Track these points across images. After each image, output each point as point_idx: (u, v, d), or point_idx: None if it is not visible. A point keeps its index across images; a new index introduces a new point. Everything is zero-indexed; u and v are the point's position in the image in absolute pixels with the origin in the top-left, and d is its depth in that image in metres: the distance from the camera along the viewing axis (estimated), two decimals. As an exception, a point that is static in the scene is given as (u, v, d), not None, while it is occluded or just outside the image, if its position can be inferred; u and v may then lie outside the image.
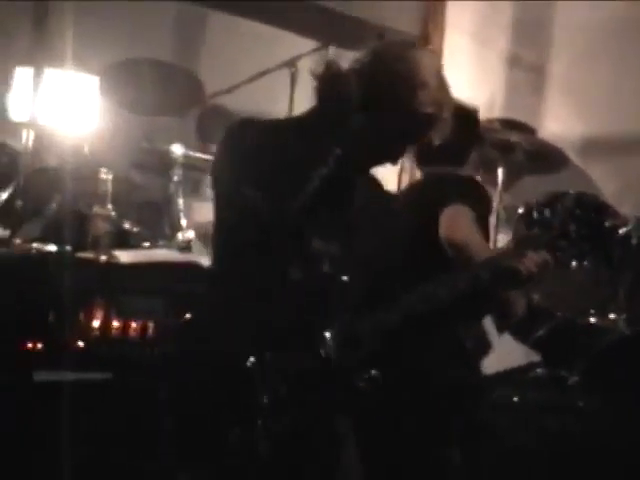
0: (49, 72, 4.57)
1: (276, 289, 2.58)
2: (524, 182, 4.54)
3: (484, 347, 3.49)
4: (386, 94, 2.63)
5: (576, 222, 2.90)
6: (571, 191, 4.22)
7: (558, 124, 5.49)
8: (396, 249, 3.10)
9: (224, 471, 2.55)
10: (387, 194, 3.09)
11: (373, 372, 2.58)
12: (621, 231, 4.27)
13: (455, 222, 3.15)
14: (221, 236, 2.73)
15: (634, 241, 4.31)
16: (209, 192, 5.29)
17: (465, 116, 2.85)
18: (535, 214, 4.30)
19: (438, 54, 2.78)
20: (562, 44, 5.71)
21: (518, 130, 4.68)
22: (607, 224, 4.21)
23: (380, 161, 2.77)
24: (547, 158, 4.83)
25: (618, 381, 3.99)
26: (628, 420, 3.92)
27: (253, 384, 2.51)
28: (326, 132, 2.67)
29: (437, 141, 2.73)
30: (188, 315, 2.85)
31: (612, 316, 4.39)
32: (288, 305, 2.58)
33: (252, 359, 2.50)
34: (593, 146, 5.56)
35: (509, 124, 4.66)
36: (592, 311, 4.38)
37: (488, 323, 3.57)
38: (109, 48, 5.12)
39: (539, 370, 4.02)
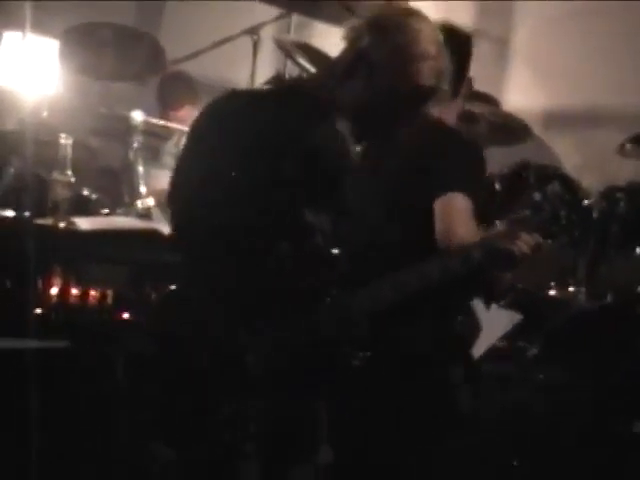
0: (8, 35, 4.50)
1: (266, 263, 2.52)
2: (487, 153, 4.53)
3: (474, 327, 3.45)
4: (386, 67, 2.56)
5: (567, 207, 2.87)
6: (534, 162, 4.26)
7: (521, 96, 5.49)
8: (387, 223, 3.02)
9: (210, 449, 2.51)
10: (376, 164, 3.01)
11: (365, 352, 2.56)
12: (583, 204, 4.29)
13: (451, 219, 2.97)
14: (203, 209, 2.61)
15: (595, 214, 4.32)
16: (169, 160, 5.29)
17: (458, 42, 2.75)
18: (497, 186, 4.31)
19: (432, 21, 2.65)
20: (526, 16, 5.71)
21: (482, 101, 4.67)
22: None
23: (377, 133, 2.70)
24: (510, 130, 4.82)
25: (576, 354, 4.01)
26: (586, 393, 3.94)
27: (242, 360, 2.47)
28: (314, 106, 2.59)
29: (435, 111, 2.66)
30: (171, 287, 2.78)
31: (572, 289, 4.40)
32: (279, 279, 2.53)
33: (241, 333, 2.46)
34: (556, 118, 5.57)
35: (473, 95, 4.63)
36: (552, 284, 4.40)
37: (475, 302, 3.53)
38: (69, 12, 5.06)
39: (498, 342, 4.03)
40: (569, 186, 4.14)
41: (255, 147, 2.53)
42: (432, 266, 2.79)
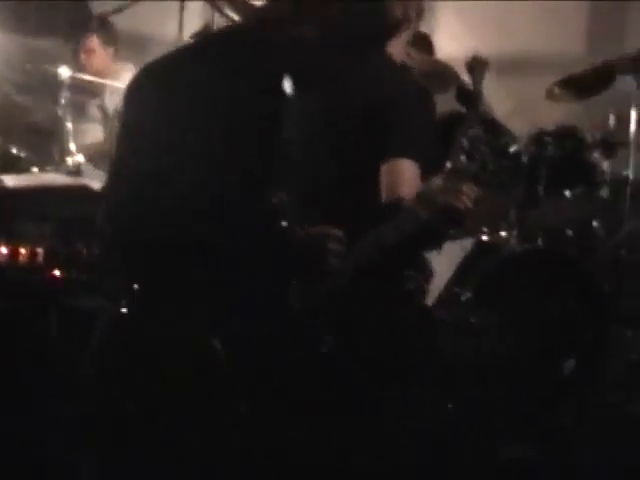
0: None
1: (230, 247, 2.29)
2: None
3: (427, 277, 3.41)
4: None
5: (492, 153, 2.83)
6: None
7: (451, 44, 5.48)
8: (329, 165, 2.87)
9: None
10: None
11: (329, 335, 2.48)
12: (512, 149, 4.31)
13: (398, 184, 2.89)
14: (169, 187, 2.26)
15: (524, 159, 4.34)
16: (96, 113, 5.22)
17: None
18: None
19: None
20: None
21: (417, 43, 4.64)
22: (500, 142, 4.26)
23: (327, 74, 2.42)
24: (440, 77, 4.81)
25: (509, 298, 4.04)
26: (518, 336, 3.98)
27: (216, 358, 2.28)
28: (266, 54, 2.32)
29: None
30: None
31: (503, 233, 4.43)
32: (246, 264, 2.31)
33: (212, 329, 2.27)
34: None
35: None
36: (484, 229, 4.42)
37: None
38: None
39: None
40: (494, 131, 4.14)
41: (208, 103, 2.26)
42: (386, 232, 2.74)
